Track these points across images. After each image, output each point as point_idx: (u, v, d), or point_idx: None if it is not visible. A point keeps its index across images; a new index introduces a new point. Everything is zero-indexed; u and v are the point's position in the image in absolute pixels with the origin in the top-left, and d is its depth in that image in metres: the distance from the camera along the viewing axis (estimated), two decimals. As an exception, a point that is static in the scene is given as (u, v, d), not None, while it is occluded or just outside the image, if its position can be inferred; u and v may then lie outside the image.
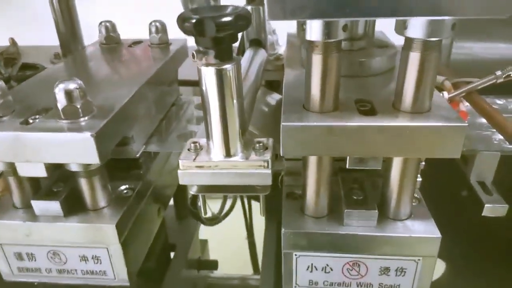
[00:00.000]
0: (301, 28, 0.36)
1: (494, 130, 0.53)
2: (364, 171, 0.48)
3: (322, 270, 0.44)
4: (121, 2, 1.58)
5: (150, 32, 0.65)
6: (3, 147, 0.40)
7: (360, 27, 0.51)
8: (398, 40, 0.40)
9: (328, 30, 0.34)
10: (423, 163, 0.45)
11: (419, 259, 0.42)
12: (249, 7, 0.63)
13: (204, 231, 0.94)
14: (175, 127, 0.60)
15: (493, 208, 0.49)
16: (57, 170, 0.45)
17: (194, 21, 0.34)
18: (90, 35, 0.75)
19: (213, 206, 0.93)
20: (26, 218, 0.45)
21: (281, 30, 0.73)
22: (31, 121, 0.41)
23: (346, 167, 0.41)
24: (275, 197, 0.49)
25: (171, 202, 0.84)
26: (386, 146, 0.37)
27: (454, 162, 0.57)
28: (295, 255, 0.43)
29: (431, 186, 0.48)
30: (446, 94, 0.54)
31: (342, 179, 0.47)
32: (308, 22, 0.35)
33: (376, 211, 0.42)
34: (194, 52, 0.36)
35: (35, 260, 0.46)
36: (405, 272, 0.43)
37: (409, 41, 0.35)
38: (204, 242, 0.96)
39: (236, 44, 0.53)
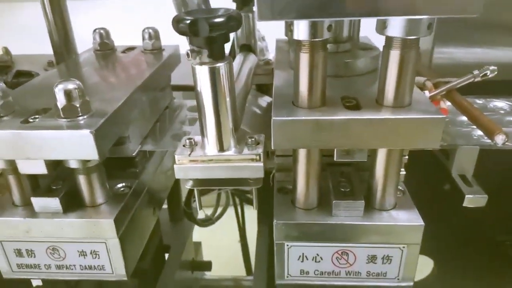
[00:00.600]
0: (289, 29, 0.39)
1: (474, 126, 0.56)
2: (351, 166, 0.50)
3: (312, 259, 0.46)
4: (114, 9, 1.61)
5: (143, 39, 0.67)
6: (5, 145, 0.41)
7: (345, 30, 0.54)
8: (382, 45, 0.43)
9: (314, 30, 0.37)
10: (406, 157, 0.47)
11: (404, 247, 0.44)
12: (239, 13, 0.66)
13: (197, 235, 0.96)
14: (169, 128, 0.62)
15: (473, 199, 0.52)
16: (55, 169, 0.47)
17: (188, 21, 0.36)
18: (84, 41, 0.76)
19: (207, 210, 0.95)
20: (25, 215, 0.46)
21: (270, 38, 0.75)
22: (31, 120, 0.43)
23: (334, 161, 0.44)
24: (267, 199, 0.51)
25: (165, 205, 0.85)
26: (370, 138, 0.39)
27: (436, 157, 0.60)
28: (287, 245, 0.45)
29: (416, 181, 0.51)
30: (427, 93, 0.56)
31: (331, 173, 0.49)
32: (295, 22, 0.37)
33: (363, 201, 0.44)
34: (189, 52, 0.38)
35: (35, 256, 0.48)
36: (391, 259, 0.45)
37: (389, 40, 0.38)
38: (198, 245, 0.97)
39: (227, 50, 0.55)
